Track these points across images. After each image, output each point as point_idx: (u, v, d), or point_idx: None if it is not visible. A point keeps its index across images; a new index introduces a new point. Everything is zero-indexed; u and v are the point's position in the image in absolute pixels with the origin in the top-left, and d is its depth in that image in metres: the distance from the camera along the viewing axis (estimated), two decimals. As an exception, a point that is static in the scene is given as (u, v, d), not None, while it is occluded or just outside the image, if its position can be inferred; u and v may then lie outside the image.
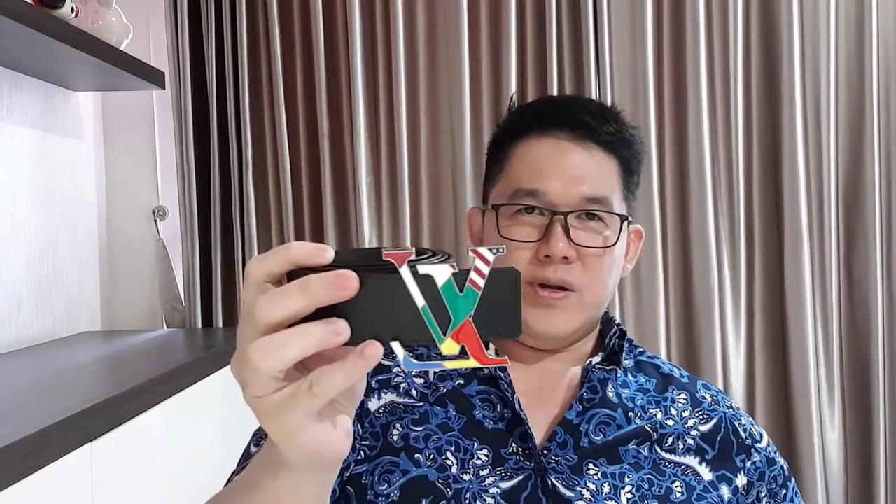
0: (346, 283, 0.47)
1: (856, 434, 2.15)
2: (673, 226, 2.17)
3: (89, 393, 1.30)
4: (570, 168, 0.93)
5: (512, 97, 1.06)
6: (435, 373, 0.95)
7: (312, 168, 2.22)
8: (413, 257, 0.48)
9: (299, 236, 2.22)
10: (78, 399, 1.24)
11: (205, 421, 1.63)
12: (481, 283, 0.48)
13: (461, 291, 0.48)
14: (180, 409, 1.52)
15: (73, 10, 1.64)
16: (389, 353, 0.49)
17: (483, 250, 0.48)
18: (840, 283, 2.14)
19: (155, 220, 2.26)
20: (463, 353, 0.49)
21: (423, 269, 0.48)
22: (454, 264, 0.48)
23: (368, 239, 2.18)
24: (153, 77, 1.98)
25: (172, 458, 1.50)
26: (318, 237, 2.22)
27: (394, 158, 2.19)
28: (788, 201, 2.10)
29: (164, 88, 2.07)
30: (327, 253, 0.49)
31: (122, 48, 1.87)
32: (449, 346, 0.48)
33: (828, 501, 2.12)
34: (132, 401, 1.34)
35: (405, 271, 0.47)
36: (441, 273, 0.48)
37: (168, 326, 2.24)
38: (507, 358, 0.51)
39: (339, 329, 0.47)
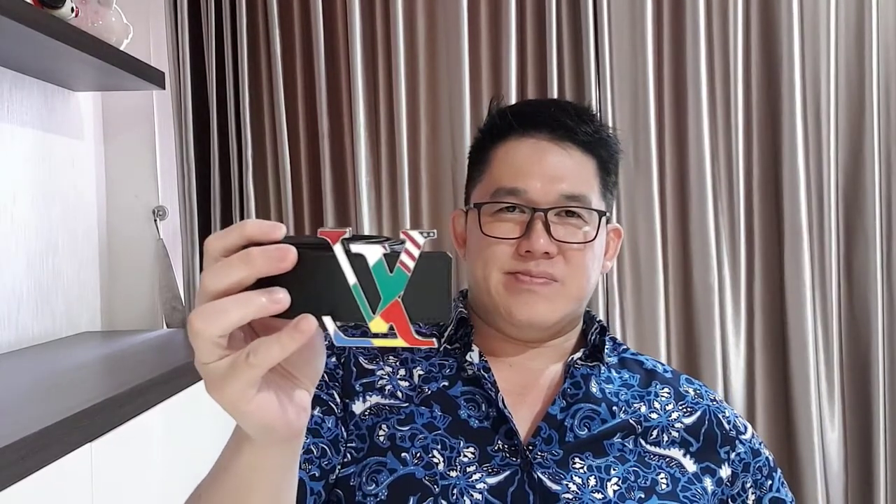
0: (285, 256, 0.49)
1: (856, 434, 2.15)
2: (673, 226, 2.17)
3: (89, 393, 1.30)
4: (549, 167, 0.96)
5: (492, 101, 1.08)
6: (420, 375, 0.97)
7: (312, 168, 2.22)
8: (348, 236, 0.49)
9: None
10: (78, 399, 1.24)
11: (205, 421, 1.63)
12: (411, 265, 0.49)
13: (391, 272, 0.49)
14: (180, 409, 1.52)
15: (73, 10, 1.64)
16: (323, 327, 0.50)
17: (414, 233, 0.49)
18: (840, 283, 2.14)
19: (155, 220, 2.26)
20: (391, 332, 0.50)
21: (355, 247, 0.49)
22: (387, 245, 0.50)
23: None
24: (153, 77, 1.98)
25: (172, 458, 1.50)
26: (318, 237, 2.22)
27: (394, 158, 2.19)
28: (788, 201, 2.10)
29: (164, 88, 2.07)
30: (279, 230, 0.51)
31: (122, 48, 1.87)
32: (378, 325, 0.50)
33: (828, 501, 2.12)
34: (132, 401, 1.34)
35: (338, 249, 0.49)
36: (372, 253, 0.49)
37: (168, 326, 2.24)
38: (434, 340, 0.52)
39: (279, 298, 0.49)
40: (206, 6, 2.19)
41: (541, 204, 0.94)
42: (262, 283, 0.50)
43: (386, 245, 0.50)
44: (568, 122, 0.97)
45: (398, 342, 0.50)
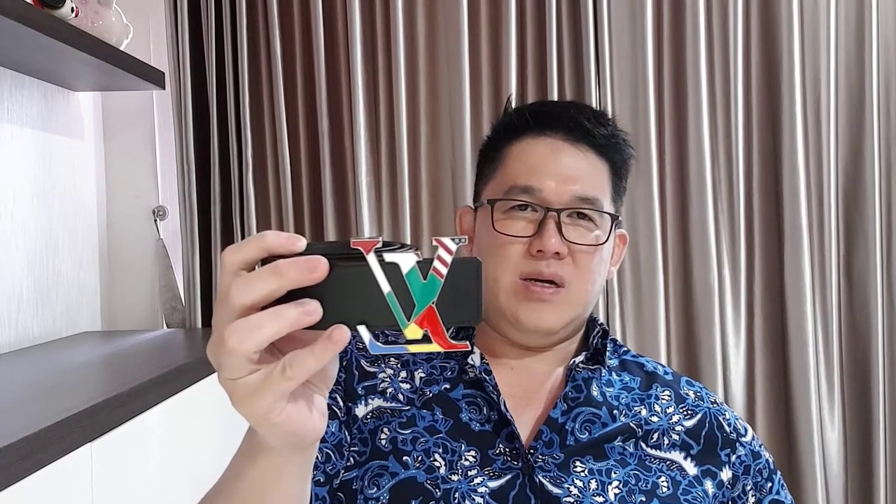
0: (317, 267, 0.49)
1: (856, 434, 2.15)
2: (673, 226, 2.17)
3: (89, 393, 1.30)
4: (564, 168, 0.95)
5: (509, 98, 1.08)
6: (421, 378, 0.97)
7: (312, 168, 2.22)
8: (380, 246, 0.50)
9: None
10: (78, 399, 1.24)
11: (205, 421, 1.63)
12: (444, 270, 0.50)
13: (425, 279, 0.50)
14: (180, 409, 1.52)
15: (73, 10, 1.64)
16: (356, 338, 0.51)
17: (446, 240, 0.50)
18: (840, 283, 2.14)
19: (155, 220, 2.26)
20: (426, 338, 0.51)
21: (389, 256, 0.50)
22: (419, 253, 0.50)
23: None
24: (153, 77, 1.98)
25: (172, 458, 1.50)
26: (319, 237, 2.22)
27: (394, 158, 2.19)
28: (788, 201, 2.10)
29: (164, 88, 2.07)
30: (300, 242, 0.50)
31: (122, 48, 1.87)
32: (413, 331, 0.51)
33: (828, 501, 2.12)
34: (132, 401, 1.34)
35: (372, 259, 0.50)
36: (406, 261, 0.50)
37: (168, 326, 2.24)
38: (468, 343, 0.53)
39: (311, 309, 0.49)
40: (206, 6, 2.19)
41: (554, 204, 0.94)
42: (287, 296, 0.50)
43: (418, 252, 0.50)
44: (585, 123, 0.97)
45: (433, 347, 0.51)
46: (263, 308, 0.50)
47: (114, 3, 1.85)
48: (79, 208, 2.08)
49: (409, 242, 0.53)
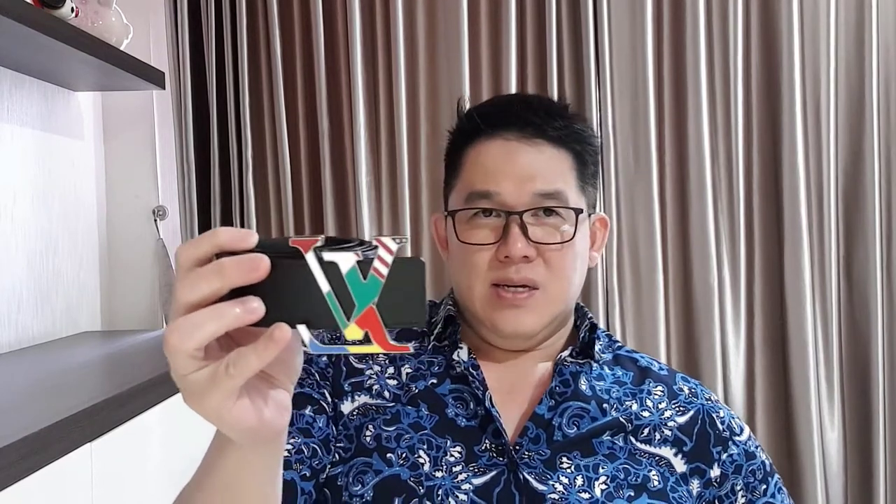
0: (258, 266, 0.49)
1: (855, 434, 2.15)
2: (673, 226, 2.17)
3: (89, 393, 1.30)
4: (519, 167, 0.93)
5: (459, 101, 1.06)
6: (408, 373, 0.96)
7: (312, 168, 2.23)
8: (320, 244, 0.49)
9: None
10: (78, 399, 1.24)
11: (204, 421, 1.63)
12: (385, 271, 0.49)
13: (365, 279, 0.49)
14: (180, 408, 1.51)
15: (73, 10, 1.64)
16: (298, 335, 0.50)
17: (386, 239, 0.50)
18: (840, 283, 2.14)
19: (155, 220, 2.26)
20: (367, 339, 0.50)
21: (328, 255, 0.49)
22: (360, 252, 0.50)
23: (368, 238, 2.18)
24: (153, 77, 1.98)
25: (172, 458, 1.50)
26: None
27: (394, 158, 2.19)
28: (788, 201, 2.10)
29: (164, 88, 2.07)
30: (251, 238, 0.50)
31: (122, 48, 1.87)
32: (353, 332, 0.50)
33: (827, 501, 2.12)
34: (132, 401, 1.34)
35: (310, 257, 0.49)
36: (345, 260, 0.49)
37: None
38: (409, 346, 0.52)
39: (252, 308, 0.49)
40: (206, 6, 2.20)
41: (515, 206, 0.92)
42: (236, 291, 0.50)
43: (359, 252, 0.50)
44: (536, 119, 0.94)
45: (374, 348, 0.50)
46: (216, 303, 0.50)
47: (114, 3, 1.85)
48: (79, 208, 2.08)
49: (368, 238, 0.51)
